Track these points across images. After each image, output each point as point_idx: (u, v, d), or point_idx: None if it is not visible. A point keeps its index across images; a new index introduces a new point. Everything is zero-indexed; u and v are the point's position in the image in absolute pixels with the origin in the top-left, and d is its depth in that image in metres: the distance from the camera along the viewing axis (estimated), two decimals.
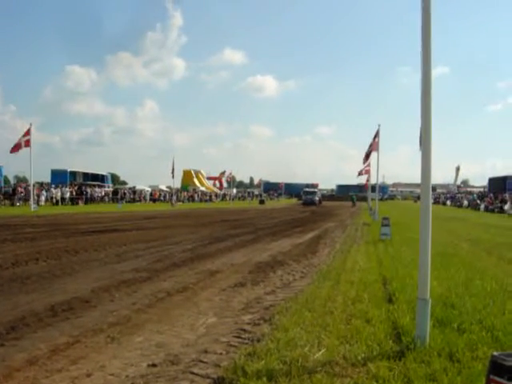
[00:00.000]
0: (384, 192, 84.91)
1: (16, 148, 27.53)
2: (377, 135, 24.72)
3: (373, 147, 24.99)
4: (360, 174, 33.26)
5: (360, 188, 74.02)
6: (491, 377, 1.99)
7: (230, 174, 64.53)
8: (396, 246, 11.51)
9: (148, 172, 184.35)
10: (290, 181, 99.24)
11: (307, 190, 68.16)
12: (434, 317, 4.58)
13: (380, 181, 32.33)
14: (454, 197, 66.54)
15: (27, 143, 27.66)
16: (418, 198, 61.67)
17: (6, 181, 44.00)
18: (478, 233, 17.12)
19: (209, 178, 77.39)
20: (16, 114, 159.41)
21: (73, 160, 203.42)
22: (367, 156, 26.35)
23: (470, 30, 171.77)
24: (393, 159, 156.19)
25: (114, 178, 74.80)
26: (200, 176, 77.36)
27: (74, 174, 49.58)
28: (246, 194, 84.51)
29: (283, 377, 3.36)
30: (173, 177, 46.45)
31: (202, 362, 3.87)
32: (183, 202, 55.39)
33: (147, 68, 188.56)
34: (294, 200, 79.84)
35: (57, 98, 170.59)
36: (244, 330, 4.76)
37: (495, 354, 2.01)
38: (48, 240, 12.69)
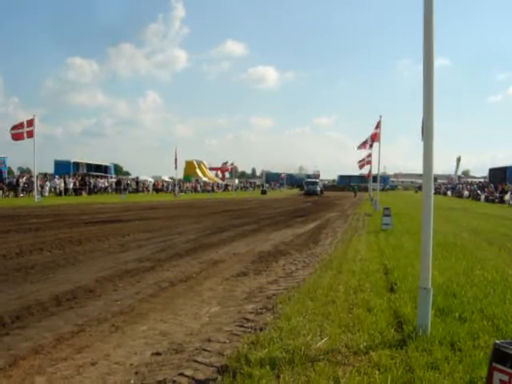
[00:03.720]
0: (385, 182, 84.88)
1: (18, 136, 27.32)
2: (378, 126, 24.57)
3: (374, 138, 24.85)
4: (361, 166, 33.17)
5: (361, 178, 74.01)
6: (494, 364, 2.00)
7: (232, 164, 64.42)
8: (397, 236, 11.53)
9: (151, 163, 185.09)
10: (291, 171, 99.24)
11: (309, 180, 68.19)
12: (436, 306, 4.61)
13: (381, 171, 32.26)
14: (455, 187, 66.42)
15: (30, 134, 27.49)
16: (419, 188, 61.56)
17: (10, 172, 44.02)
18: (478, 223, 17.10)
19: (211, 169, 77.42)
20: (19, 106, 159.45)
21: (76, 151, 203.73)
22: (365, 144, 26.04)
23: (470, 23, 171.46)
24: (394, 150, 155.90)
25: (117, 169, 74.95)
26: (202, 167, 77.30)
27: (77, 164, 49.72)
28: (248, 185, 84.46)
29: (286, 365, 3.39)
30: (175, 167, 46.50)
31: (205, 350, 3.90)
32: (186, 192, 55.43)
33: (149, 59, 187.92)
34: (296, 190, 79.83)
35: (59, 90, 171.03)
36: (247, 319, 4.79)
37: (497, 342, 2.03)
38: (52, 230, 12.74)
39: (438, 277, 6.07)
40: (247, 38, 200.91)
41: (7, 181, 35.88)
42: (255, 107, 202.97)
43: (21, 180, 35.16)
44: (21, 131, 27.37)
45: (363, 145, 26.21)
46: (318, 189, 60.65)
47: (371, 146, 26.04)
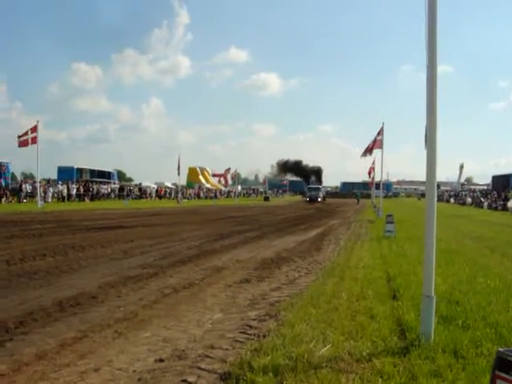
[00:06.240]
0: (388, 189, 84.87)
1: (24, 143, 27.63)
2: (381, 132, 24.57)
3: (377, 145, 24.82)
4: (369, 173, 33.24)
5: (364, 185, 73.89)
6: (496, 372, 2.00)
7: (235, 171, 64.48)
8: (400, 243, 11.51)
9: (154, 169, 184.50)
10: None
11: (312, 186, 68.20)
12: (439, 313, 4.60)
13: (384, 178, 32.23)
14: (458, 194, 66.34)
15: (34, 140, 27.73)
16: (422, 195, 61.43)
17: (14, 177, 44.14)
18: (481, 230, 17.06)
19: (214, 175, 77.40)
20: (23, 111, 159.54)
21: (79, 157, 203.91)
22: (368, 151, 25.90)
23: (472, 29, 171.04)
24: (396, 157, 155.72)
25: (120, 175, 75.10)
26: (205, 173, 77.35)
27: (80, 170, 49.85)
28: (251, 191, 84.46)
29: (289, 372, 3.39)
30: (178, 174, 46.62)
31: (208, 357, 3.91)
32: (189, 198, 55.47)
33: (153, 65, 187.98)
34: (299, 197, 79.81)
35: (63, 96, 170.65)
36: (250, 326, 4.80)
37: (501, 350, 2.03)
38: (55, 236, 12.77)
39: (441, 284, 6.07)
40: (250, 44, 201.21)
41: (10, 186, 35.99)
42: (258, 114, 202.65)
43: (24, 185, 35.26)
44: (26, 138, 27.63)
45: (368, 151, 25.98)
46: (321, 195, 60.62)
47: (370, 152, 25.82)
